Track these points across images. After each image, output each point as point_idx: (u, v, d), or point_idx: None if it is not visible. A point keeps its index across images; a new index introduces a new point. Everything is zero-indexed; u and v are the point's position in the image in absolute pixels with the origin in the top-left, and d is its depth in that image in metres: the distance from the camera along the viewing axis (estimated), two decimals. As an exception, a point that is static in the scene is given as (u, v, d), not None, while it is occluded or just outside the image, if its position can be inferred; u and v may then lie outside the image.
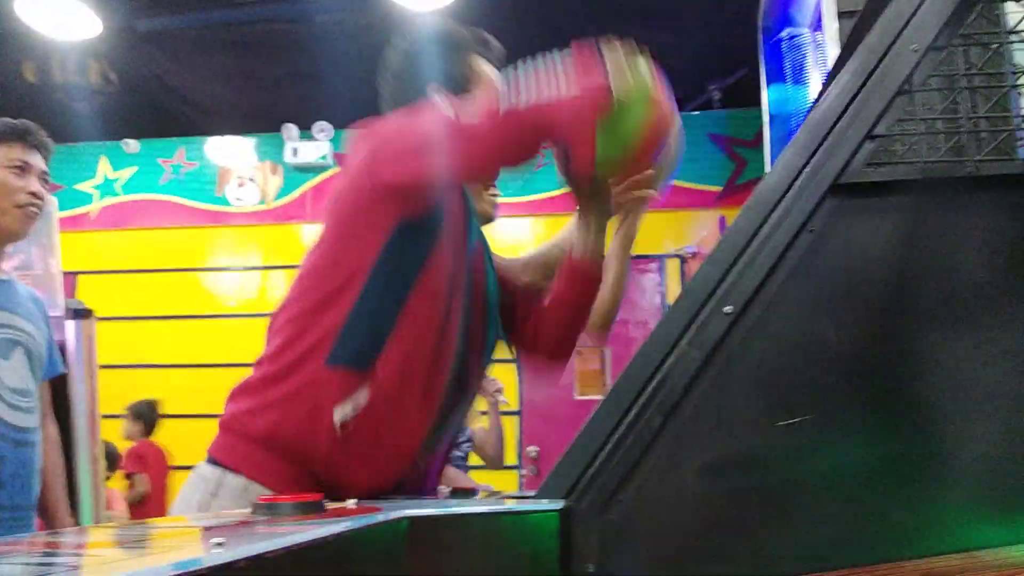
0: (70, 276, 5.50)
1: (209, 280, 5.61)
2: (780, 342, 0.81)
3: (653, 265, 5.23)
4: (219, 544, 0.47)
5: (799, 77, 3.17)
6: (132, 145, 5.74)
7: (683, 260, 5.20)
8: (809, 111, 0.90)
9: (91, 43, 4.63)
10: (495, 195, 1.37)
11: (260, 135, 5.71)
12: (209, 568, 0.42)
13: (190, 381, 5.30)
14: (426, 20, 1.31)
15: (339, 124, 5.50)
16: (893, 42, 0.85)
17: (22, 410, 1.84)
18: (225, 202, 5.70)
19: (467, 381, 1.24)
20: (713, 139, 5.34)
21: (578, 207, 1.27)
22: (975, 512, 0.77)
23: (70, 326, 2.46)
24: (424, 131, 1.11)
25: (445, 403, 1.18)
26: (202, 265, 5.62)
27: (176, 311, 5.52)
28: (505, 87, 1.08)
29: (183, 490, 1.19)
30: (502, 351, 1.39)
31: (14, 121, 1.91)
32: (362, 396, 1.10)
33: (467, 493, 1.24)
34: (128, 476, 4.65)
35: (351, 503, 0.79)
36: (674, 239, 5.25)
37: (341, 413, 1.09)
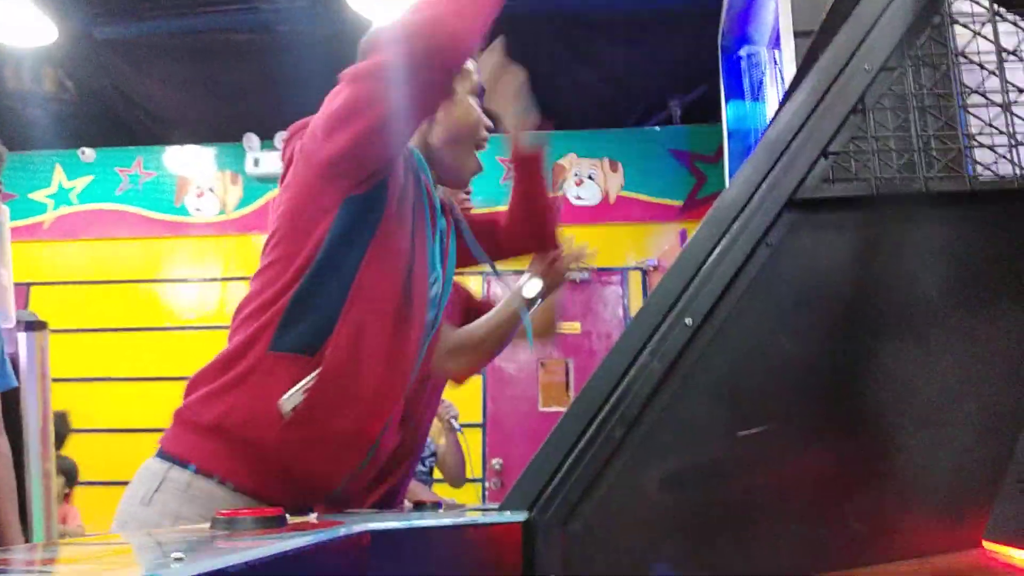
0: (22, 287, 5.36)
1: (167, 292, 5.51)
2: (739, 354, 0.83)
3: (615, 277, 5.27)
4: (178, 559, 0.46)
5: (757, 94, 3.24)
6: (88, 154, 5.63)
7: (645, 273, 5.25)
8: (767, 128, 0.92)
9: (47, 50, 4.54)
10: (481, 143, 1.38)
11: (220, 145, 5.64)
12: (168, 584, 0.41)
13: (147, 394, 5.19)
14: None
15: (301, 135, 5.46)
16: (847, 62, 0.87)
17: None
18: (184, 212, 5.61)
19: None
20: (674, 154, 5.42)
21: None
22: (929, 519, 0.79)
23: (22, 338, 2.40)
24: (349, 94, 1.13)
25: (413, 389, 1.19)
26: (160, 276, 5.51)
27: (133, 323, 5.40)
28: None
29: (130, 485, 1.17)
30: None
31: (-35, 129, 1.86)
32: (311, 380, 1.09)
33: (431, 507, 1.24)
34: None
35: (313, 517, 0.78)
36: (636, 252, 5.30)
37: (288, 401, 1.08)
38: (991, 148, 0.90)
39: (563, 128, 5.36)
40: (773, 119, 0.95)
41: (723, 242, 0.84)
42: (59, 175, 5.69)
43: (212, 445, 1.12)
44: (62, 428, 4.61)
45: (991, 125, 0.91)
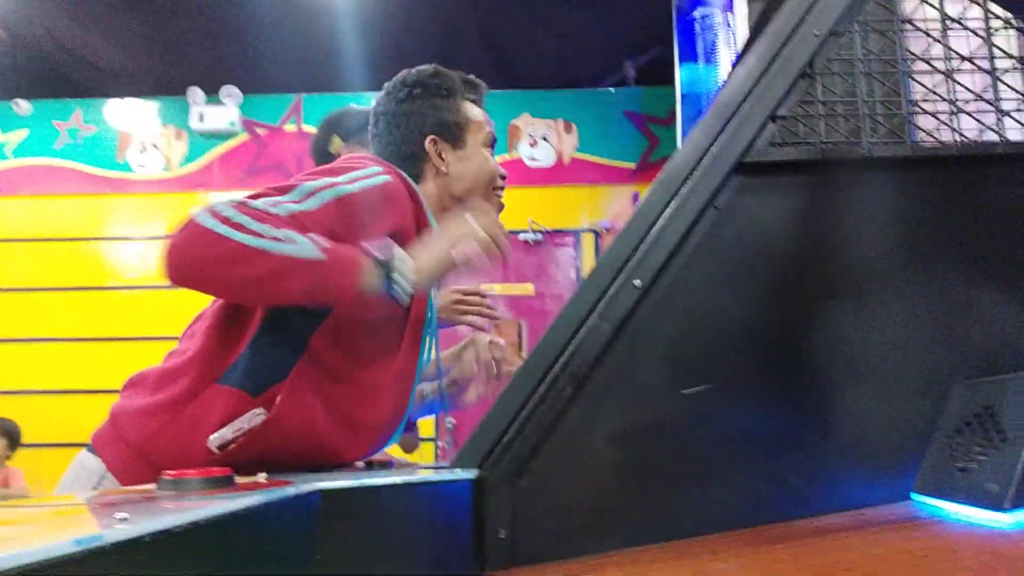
0: (-45, 244, 5.17)
1: (109, 250, 5.35)
2: (686, 315, 0.84)
3: (568, 239, 5.29)
4: (123, 519, 0.46)
5: (711, 57, 3.25)
6: (23, 106, 5.39)
7: (598, 235, 5.28)
8: (718, 92, 0.93)
9: (-24, -5, 4.32)
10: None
11: (164, 98, 5.46)
12: (112, 544, 0.41)
13: (89, 354, 5.07)
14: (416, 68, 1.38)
15: (248, 89, 5.32)
16: (796, 27, 0.88)
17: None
18: (126, 168, 5.43)
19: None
20: (628, 116, 5.42)
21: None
22: (861, 473, 0.82)
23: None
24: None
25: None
26: (102, 234, 5.35)
27: (74, 283, 5.25)
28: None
29: (64, 480, 1.14)
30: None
31: None
32: (247, 422, 1.06)
33: (382, 465, 1.24)
34: None
35: (262, 477, 0.78)
36: (589, 214, 5.32)
37: (220, 436, 1.05)
38: (934, 115, 0.92)
39: (518, 87, 5.32)
40: (724, 82, 0.96)
41: (672, 205, 0.84)
42: (-8, 128, 5.45)
43: (133, 462, 1.08)
44: (14, 436, 4.44)
45: (934, 92, 0.93)
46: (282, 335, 1.11)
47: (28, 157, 5.42)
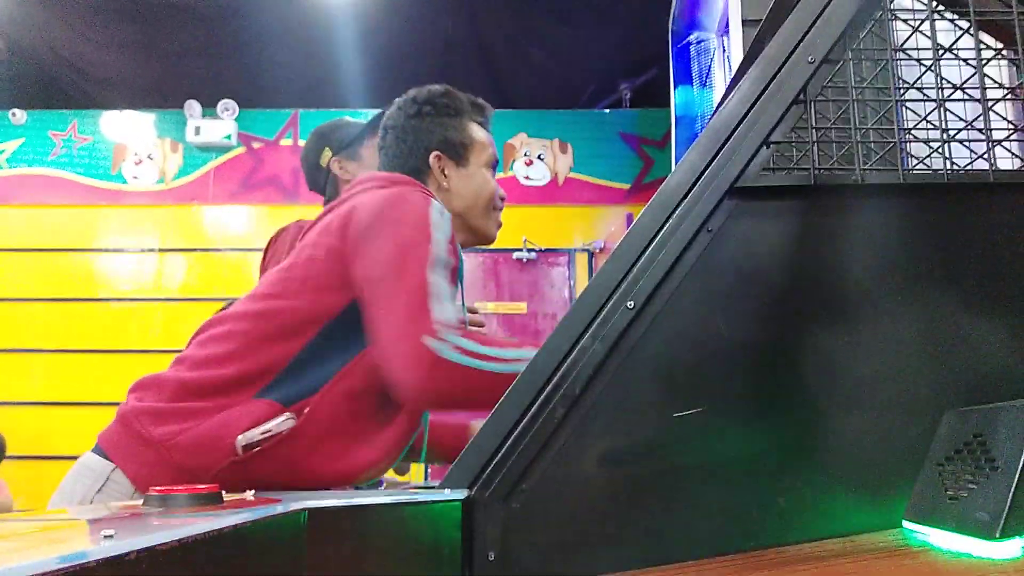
0: (-54, 253, 5.15)
1: (102, 262, 5.34)
2: (678, 337, 0.84)
3: (562, 259, 5.30)
4: (108, 536, 0.45)
5: (705, 80, 3.28)
6: (19, 115, 5.39)
7: (591, 255, 5.29)
8: (712, 116, 0.93)
9: (-25, 5, 4.33)
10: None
11: (160, 111, 5.47)
12: (97, 561, 0.40)
13: (80, 366, 5.04)
14: (427, 87, 1.46)
15: (245, 103, 5.33)
16: (791, 54, 0.89)
17: None
18: (121, 180, 5.43)
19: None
20: (623, 137, 5.46)
21: None
22: (852, 499, 0.82)
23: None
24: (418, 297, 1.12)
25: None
26: (95, 246, 5.33)
27: (65, 294, 5.22)
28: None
29: (65, 481, 1.13)
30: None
31: None
32: (276, 426, 1.09)
33: (371, 484, 1.23)
34: None
35: (250, 495, 0.78)
36: (583, 234, 5.34)
37: (247, 436, 1.07)
38: (926, 142, 0.93)
39: (514, 107, 5.35)
40: (718, 107, 0.96)
41: (666, 227, 0.85)
42: (-13, 137, 5.45)
43: (149, 458, 1.09)
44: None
45: (926, 120, 0.93)
46: (324, 359, 1.15)
47: (22, 167, 5.41)
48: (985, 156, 0.90)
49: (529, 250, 5.21)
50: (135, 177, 5.42)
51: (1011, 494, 0.64)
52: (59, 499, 1.12)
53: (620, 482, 0.82)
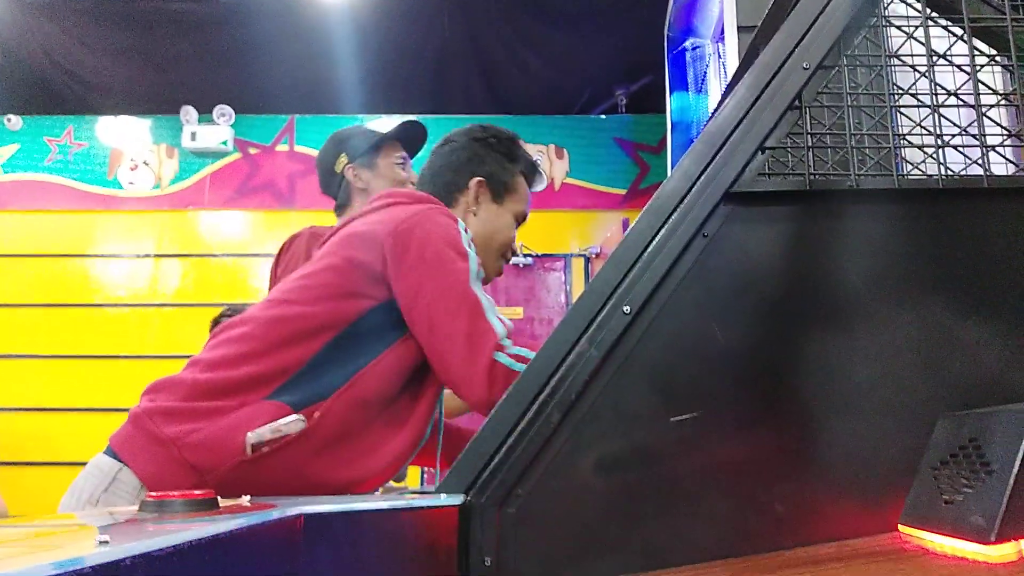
0: (-59, 259, 5.13)
1: (97, 267, 5.33)
2: (674, 341, 0.85)
3: (559, 264, 5.30)
4: (104, 542, 0.45)
5: (701, 86, 3.29)
6: (14, 121, 5.38)
7: (588, 260, 5.29)
8: (707, 121, 0.94)
9: (-30, 10, 4.32)
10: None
11: (156, 117, 5.47)
12: (92, 567, 0.40)
13: (75, 372, 5.02)
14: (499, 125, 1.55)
15: (241, 109, 5.33)
16: (786, 60, 0.89)
17: None
18: (116, 185, 5.42)
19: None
20: (619, 143, 5.47)
21: None
22: (848, 504, 0.82)
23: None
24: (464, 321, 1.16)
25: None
26: (90, 251, 5.32)
27: (60, 299, 5.21)
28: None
29: (77, 480, 1.14)
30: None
31: None
32: (286, 426, 1.10)
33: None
34: None
35: (245, 500, 0.77)
36: (579, 239, 5.34)
37: (258, 435, 1.08)
38: (920, 148, 0.93)
39: (510, 113, 5.35)
40: (714, 112, 0.97)
41: (662, 232, 0.85)
42: (-18, 142, 5.44)
43: (160, 456, 1.09)
44: None
45: (920, 125, 0.94)
46: (337, 365, 1.16)
47: (18, 172, 5.40)
48: (979, 162, 0.90)
49: (525, 255, 5.21)
50: (131, 183, 5.42)
51: (1006, 498, 0.64)
52: (68, 498, 1.14)
53: (616, 487, 0.82)
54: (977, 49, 0.94)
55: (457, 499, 0.78)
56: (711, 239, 0.85)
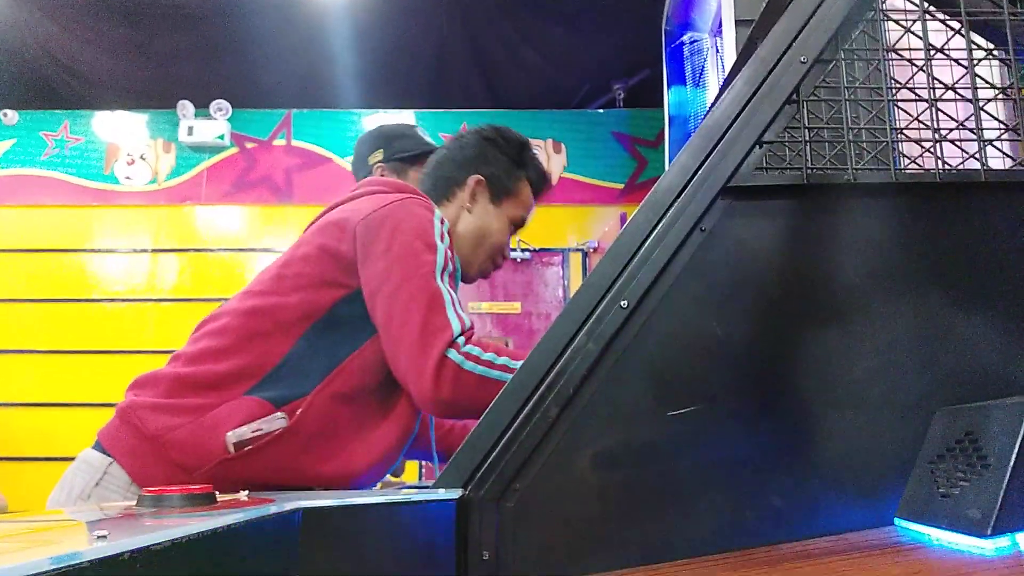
0: (-63, 254, 5.12)
1: (94, 262, 5.32)
2: (672, 336, 0.85)
3: (556, 258, 5.30)
4: (101, 536, 0.45)
5: (698, 80, 3.28)
6: (11, 116, 5.37)
7: (585, 254, 5.29)
8: (705, 115, 0.94)
9: (-34, 4, 4.30)
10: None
11: (153, 111, 5.45)
12: (91, 562, 0.40)
13: (72, 367, 5.02)
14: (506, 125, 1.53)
15: (238, 103, 5.32)
16: (783, 53, 0.89)
17: None
18: (113, 180, 5.41)
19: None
20: (617, 137, 5.46)
21: None
22: (846, 497, 0.82)
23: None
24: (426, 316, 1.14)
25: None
26: (87, 246, 5.31)
27: (57, 294, 5.20)
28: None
29: (66, 475, 1.15)
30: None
31: None
32: (267, 424, 1.10)
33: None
34: None
35: (243, 495, 0.77)
36: (577, 233, 5.34)
37: (238, 434, 1.08)
38: (918, 142, 0.93)
39: (508, 107, 5.34)
40: (711, 107, 0.97)
41: (659, 227, 0.85)
42: (-22, 137, 5.42)
43: (145, 452, 1.10)
44: None
45: (918, 120, 0.94)
46: (315, 359, 1.16)
47: (14, 167, 5.38)
48: (976, 156, 0.90)
49: (523, 250, 5.21)
50: (128, 177, 5.40)
51: (1002, 491, 0.64)
52: (58, 493, 1.13)
53: (614, 481, 0.82)
54: (975, 43, 0.94)
55: (455, 493, 0.78)
56: (709, 233, 0.85)
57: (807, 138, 0.89)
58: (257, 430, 1.09)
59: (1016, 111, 0.92)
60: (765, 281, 0.88)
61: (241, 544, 0.58)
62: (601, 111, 5.52)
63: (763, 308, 0.87)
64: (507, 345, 5.19)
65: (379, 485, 1.35)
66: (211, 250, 5.29)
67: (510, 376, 1.09)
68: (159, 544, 0.46)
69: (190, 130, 5.26)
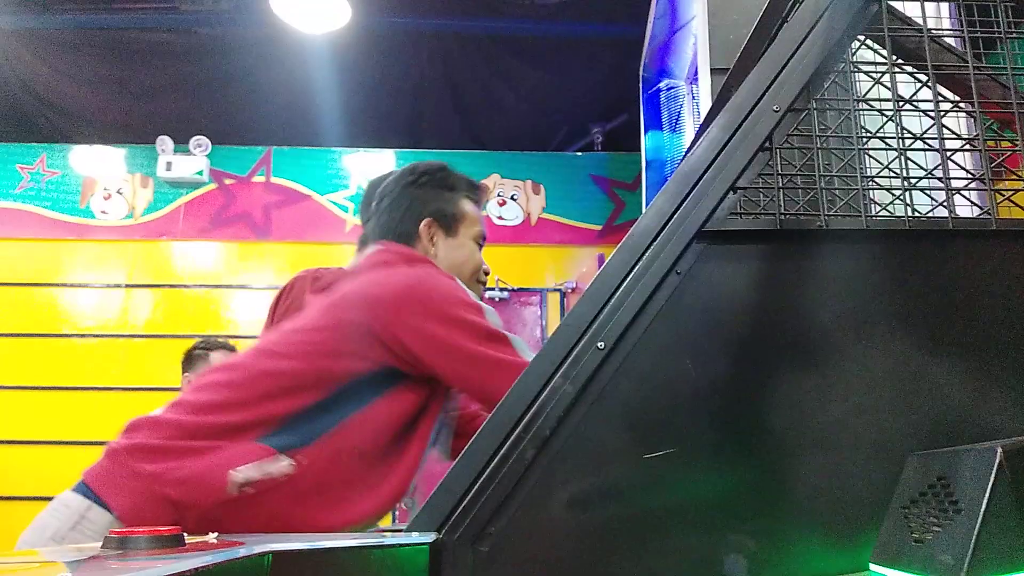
0: (-96, 286, 5.02)
1: (67, 297, 5.23)
2: (648, 378, 0.85)
3: (534, 298, 5.31)
4: (63, 581, 0.44)
5: (675, 125, 3.34)
6: (-14, 148, 5.32)
7: (563, 294, 5.31)
8: (681, 160, 0.95)
9: (-55, 37, 4.30)
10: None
11: (131, 146, 5.43)
12: (51, 607, 0.39)
13: (43, 403, 4.91)
14: (428, 161, 1.57)
15: (218, 140, 5.32)
16: (757, 102, 0.91)
17: None
18: (89, 214, 5.36)
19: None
20: (595, 179, 5.52)
21: None
22: (821, 541, 0.82)
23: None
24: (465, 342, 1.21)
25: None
26: (60, 280, 5.24)
27: (29, 329, 5.11)
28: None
29: (41, 515, 1.11)
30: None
31: None
32: (273, 466, 1.10)
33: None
34: None
35: (212, 537, 0.76)
36: (555, 274, 5.36)
37: (245, 472, 1.08)
38: (888, 190, 0.96)
39: (488, 148, 5.40)
40: (687, 152, 0.98)
41: (635, 269, 0.86)
42: (-47, 169, 5.36)
43: (138, 490, 1.08)
44: None
45: (888, 168, 0.96)
46: (324, 416, 1.16)
47: (-13, 200, 5.32)
48: (945, 204, 0.92)
49: (502, 289, 5.21)
50: (103, 212, 5.36)
51: (975, 536, 0.65)
52: (30, 535, 1.10)
53: (590, 524, 0.81)
54: (941, 95, 0.97)
55: (429, 537, 0.77)
56: (684, 276, 0.86)
57: (780, 184, 0.91)
58: (264, 470, 1.09)
59: (982, 161, 0.94)
60: (740, 324, 0.89)
61: (208, 588, 0.56)
62: (580, 154, 5.59)
63: (737, 351, 0.88)
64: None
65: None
66: (187, 286, 5.24)
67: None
68: (123, 588, 0.45)
69: (168, 165, 5.24)
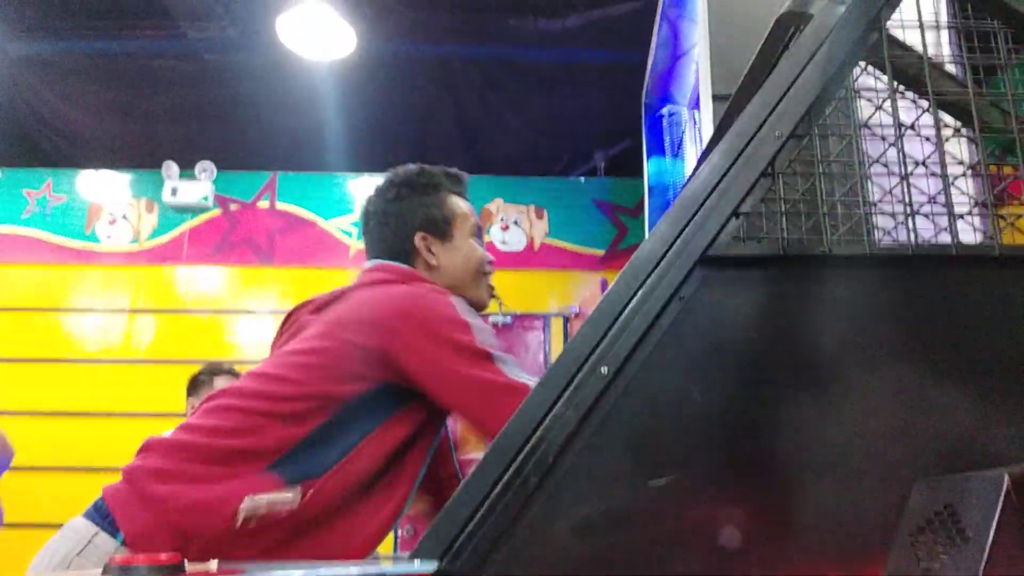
0: (-91, 311, 5.03)
1: (71, 322, 5.24)
2: (651, 404, 0.84)
3: (538, 323, 5.30)
4: (62, 610, 0.43)
5: (677, 151, 3.36)
6: (-7, 173, 5.36)
7: (566, 319, 5.30)
8: (683, 186, 0.95)
9: (-45, 64, 4.35)
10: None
11: (137, 171, 5.47)
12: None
13: (47, 429, 4.90)
14: (402, 167, 1.51)
15: (223, 165, 5.35)
16: (759, 128, 0.92)
17: None
18: (94, 239, 5.38)
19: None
20: (598, 205, 5.54)
21: None
22: (828, 568, 0.81)
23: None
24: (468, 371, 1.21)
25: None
26: (65, 306, 5.25)
27: (34, 354, 5.11)
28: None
29: (51, 541, 1.13)
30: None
31: None
32: (282, 498, 1.10)
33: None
34: None
35: (213, 564, 0.75)
36: (558, 299, 5.36)
37: (253, 503, 1.08)
38: (891, 215, 0.96)
39: (491, 173, 5.42)
40: (690, 178, 0.99)
41: (639, 294, 0.86)
42: (-40, 194, 5.39)
43: (147, 514, 1.08)
44: None
45: (891, 194, 0.96)
46: (331, 442, 1.16)
47: (-6, 225, 5.35)
48: (948, 229, 0.92)
49: (504, 314, 5.21)
50: (108, 237, 5.38)
51: (982, 565, 0.64)
52: (39, 560, 1.12)
53: (594, 551, 0.81)
54: (943, 121, 0.98)
55: (431, 565, 0.76)
56: (687, 302, 0.86)
57: (783, 210, 0.91)
58: (273, 502, 1.09)
59: (985, 187, 0.94)
60: (743, 349, 0.88)
61: (208, 617, 0.56)
62: (583, 179, 5.61)
63: (741, 376, 0.87)
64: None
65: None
66: (190, 311, 5.24)
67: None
68: (123, 617, 0.44)
69: (174, 191, 5.27)
